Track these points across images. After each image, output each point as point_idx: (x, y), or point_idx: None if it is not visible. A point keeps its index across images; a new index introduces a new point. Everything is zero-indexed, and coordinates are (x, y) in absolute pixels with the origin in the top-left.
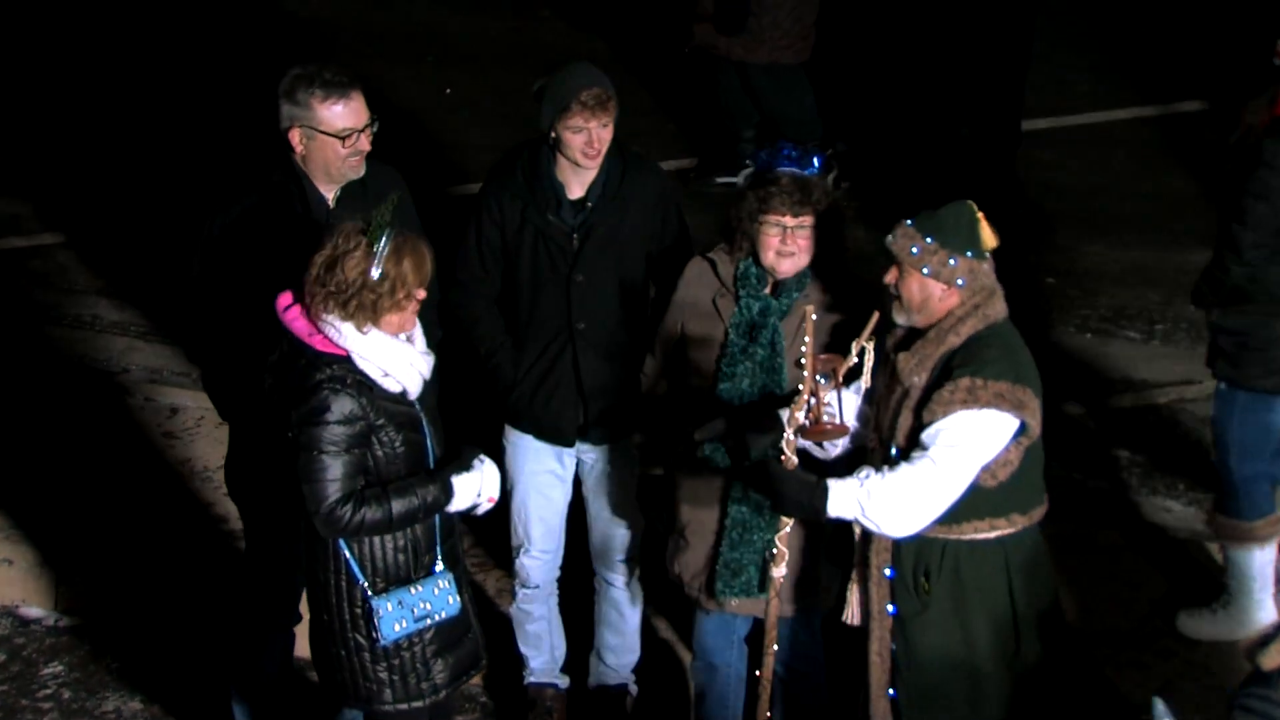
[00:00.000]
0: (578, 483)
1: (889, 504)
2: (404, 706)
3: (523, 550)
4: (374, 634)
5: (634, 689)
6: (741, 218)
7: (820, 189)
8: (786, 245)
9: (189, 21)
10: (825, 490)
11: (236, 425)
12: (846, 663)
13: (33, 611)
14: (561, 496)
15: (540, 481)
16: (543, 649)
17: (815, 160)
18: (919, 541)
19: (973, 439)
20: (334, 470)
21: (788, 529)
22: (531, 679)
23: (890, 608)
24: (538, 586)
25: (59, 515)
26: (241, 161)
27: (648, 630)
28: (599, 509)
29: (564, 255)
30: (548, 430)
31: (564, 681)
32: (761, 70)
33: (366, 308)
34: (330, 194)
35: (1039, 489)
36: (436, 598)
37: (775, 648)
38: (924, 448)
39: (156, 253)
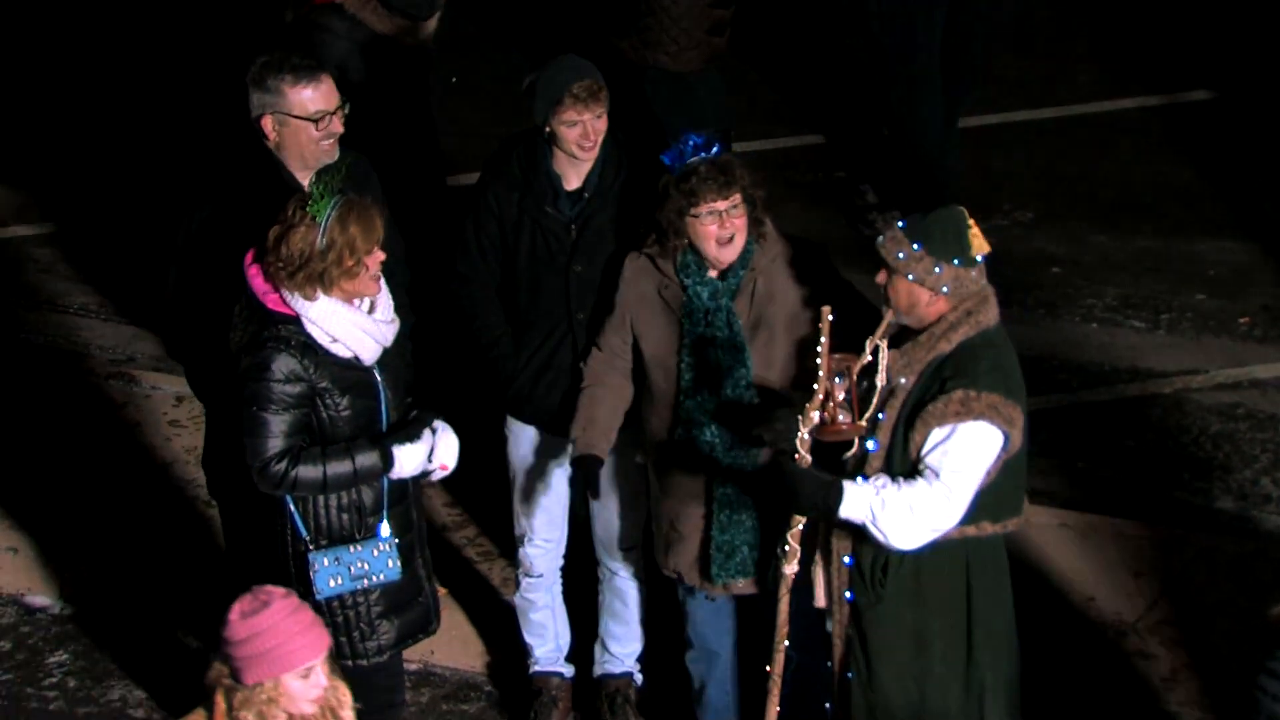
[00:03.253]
0: None
1: (900, 518)
2: (347, 663)
3: (526, 540)
4: (311, 588)
5: (639, 677)
6: (671, 217)
7: (738, 166)
8: (724, 229)
9: (195, 11)
10: (840, 491)
11: (214, 421)
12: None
13: (38, 600)
14: (564, 486)
15: (542, 471)
16: (547, 638)
17: (716, 145)
18: None
19: (975, 456)
20: (271, 426)
21: (800, 526)
22: (536, 668)
23: (848, 594)
24: (541, 576)
25: (64, 504)
26: (219, 154)
27: (652, 618)
28: (603, 498)
29: (562, 246)
30: (549, 420)
31: (569, 670)
32: (646, 73)
33: (315, 278)
34: (306, 180)
35: (1015, 500)
36: (375, 560)
37: (786, 644)
38: (931, 468)
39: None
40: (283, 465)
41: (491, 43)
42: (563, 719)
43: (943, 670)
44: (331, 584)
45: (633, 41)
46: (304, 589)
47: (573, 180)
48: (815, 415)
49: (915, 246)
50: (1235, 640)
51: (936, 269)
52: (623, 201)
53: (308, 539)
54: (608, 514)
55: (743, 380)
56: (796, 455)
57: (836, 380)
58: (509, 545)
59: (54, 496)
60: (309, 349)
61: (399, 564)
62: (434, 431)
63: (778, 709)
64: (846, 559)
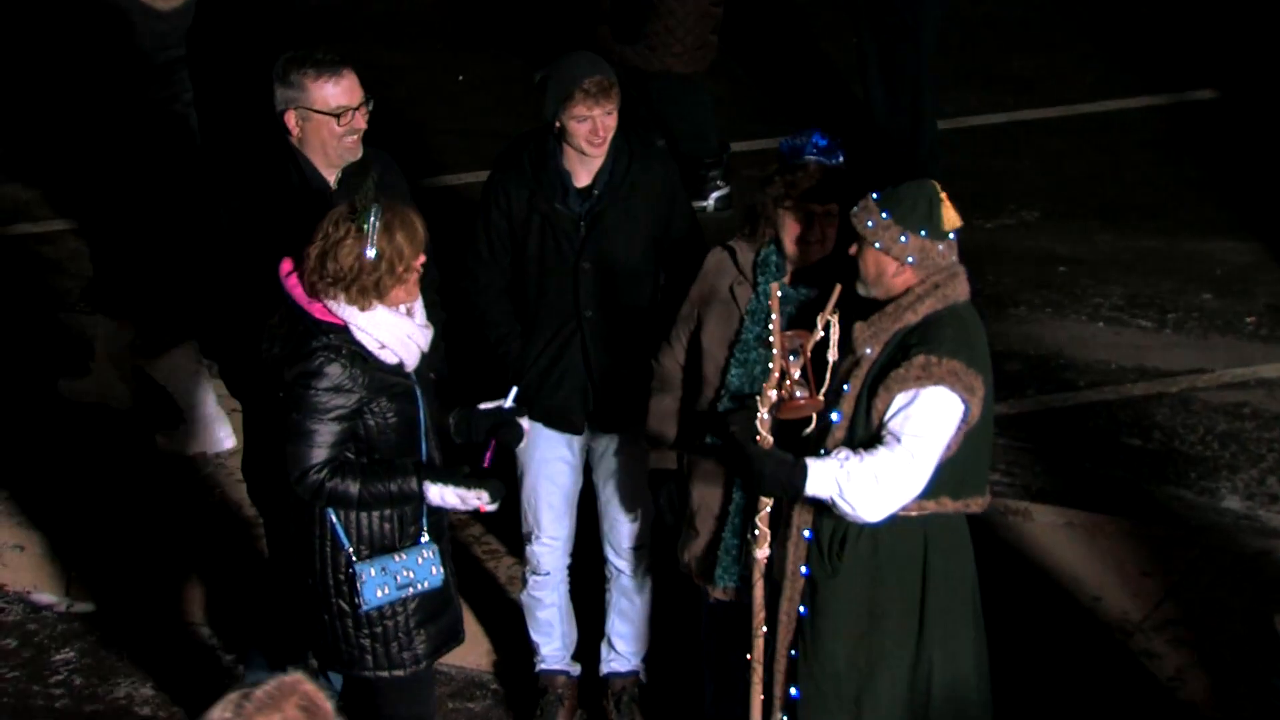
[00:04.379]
0: (588, 470)
1: (866, 488)
2: (384, 674)
3: (533, 537)
4: (356, 599)
5: (644, 677)
6: (767, 203)
7: (846, 181)
8: (813, 232)
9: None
10: (804, 470)
11: (253, 424)
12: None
13: (44, 598)
14: (571, 483)
15: (550, 469)
16: (554, 636)
17: (840, 155)
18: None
19: (933, 420)
20: (316, 436)
21: (768, 509)
22: (542, 666)
23: (804, 569)
24: (548, 574)
25: (71, 502)
26: (239, 151)
27: (659, 618)
28: (609, 496)
29: (571, 243)
30: (556, 418)
31: (575, 669)
32: (653, 79)
33: (370, 289)
34: (331, 177)
35: (978, 478)
36: (420, 567)
37: (765, 629)
38: (893, 433)
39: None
40: (322, 475)
41: (498, 43)
42: (568, 717)
43: (892, 646)
44: (379, 594)
45: (639, 48)
46: (345, 598)
47: (583, 177)
48: (773, 394)
49: (884, 215)
50: (1242, 640)
51: (903, 238)
52: (633, 199)
53: (350, 549)
54: (615, 512)
55: None
56: (758, 437)
57: (791, 358)
58: (516, 543)
59: (61, 495)
60: (358, 358)
61: (442, 571)
62: (476, 483)
63: (762, 696)
64: (806, 533)
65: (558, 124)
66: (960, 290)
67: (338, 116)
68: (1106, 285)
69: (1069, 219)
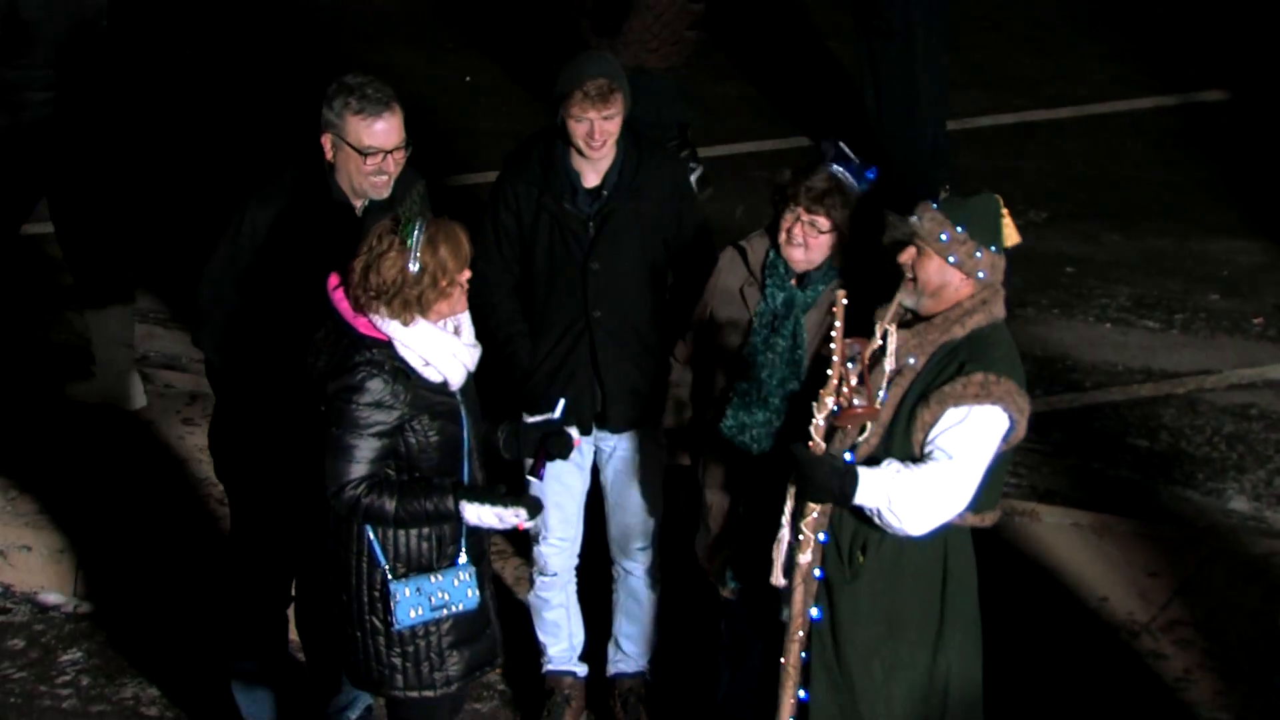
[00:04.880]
0: (596, 472)
1: (915, 502)
2: (414, 694)
3: (541, 538)
4: (389, 618)
5: (651, 677)
6: (775, 197)
7: (854, 202)
8: (797, 235)
9: (203, 9)
10: (856, 477)
11: (223, 406)
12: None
13: (51, 598)
14: (579, 484)
15: (558, 469)
16: (561, 637)
17: (868, 174)
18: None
19: (985, 438)
20: (355, 451)
21: (815, 514)
22: (549, 666)
23: (818, 572)
24: (556, 575)
25: (77, 502)
26: (263, 154)
27: (666, 618)
28: (617, 498)
29: (580, 243)
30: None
31: (582, 669)
32: (633, 74)
33: (412, 303)
34: (358, 203)
35: (995, 495)
36: (456, 589)
37: (801, 634)
38: (944, 449)
39: (177, 240)
40: (359, 491)
41: (504, 44)
42: (575, 718)
43: (909, 653)
44: (412, 614)
45: (614, 42)
46: (378, 615)
47: (591, 178)
48: (830, 400)
49: (958, 229)
50: (1249, 641)
51: (978, 253)
52: (641, 200)
53: (386, 567)
54: (623, 514)
55: (792, 393)
56: (810, 442)
57: (849, 365)
58: (523, 543)
59: (67, 495)
60: (401, 374)
61: (478, 593)
62: (513, 501)
63: (793, 700)
64: (822, 536)
65: (561, 122)
66: (1001, 308)
67: (366, 156)
68: (1114, 286)
69: (1077, 219)
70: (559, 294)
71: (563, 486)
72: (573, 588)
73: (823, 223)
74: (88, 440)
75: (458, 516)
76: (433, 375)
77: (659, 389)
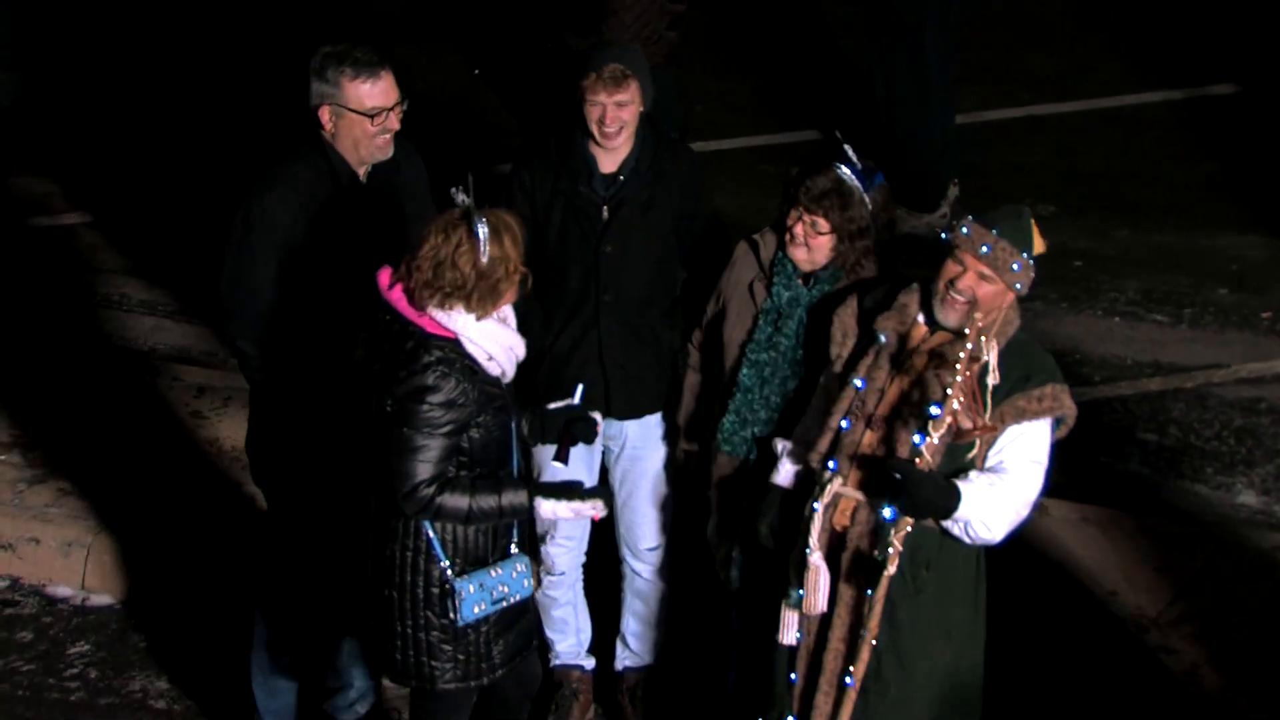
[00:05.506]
0: (605, 472)
1: (1005, 511)
2: (461, 686)
3: (548, 537)
4: (451, 614)
5: (659, 671)
6: (783, 195)
7: (857, 204)
8: (799, 234)
9: (217, 2)
10: (958, 493)
11: (265, 406)
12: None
13: (60, 590)
14: (587, 482)
15: (568, 468)
16: (568, 633)
17: (875, 178)
18: (917, 530)
19: (1048, 441)
20: (427, 451)
21: (908, 529)
22: (557, 661)
23: (869, 590)
24: (563, 574)
25: (86, 494)
26: (266, 142)
27: (676, 611)
28: (625, 497)
29: (593, 226)
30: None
31: (590, 663)
32: None
33: (487, 296)
34: (362, 171)
35: None
36: (514, 581)
37: (874, 641)
38: (1023, 457)
39: (184, 233)
40: (431, 490)
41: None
42: (584, 711)
43: (956, 659)
44: (476, 610)
45: (593, 41)
46: (434, 610)
47: (607, 165)
48: (948, 420)
49: (1027, 257)
50: (1258, 635)
51: (1015, 265)
52: (657, 188)
53: (446, 564)
54: (631, 513)
55: (793, 391)
56: (919, 460)
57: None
58: (531, 541)
59: (76, 487)
60: (469, 371)
61: (532, 583)
62: (589, 493)
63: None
64: (876, 553)
65: (579, 108)
66: (1018, 315)
67: (371, 117)
68: (1122, 280)
69: (1085, 214)
70: (571, 277)
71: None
72: (579, 585)
73: (822, 223)
74: (96, 432)
75: (532, 513)
76: (494, 369)
77: (666, 377)
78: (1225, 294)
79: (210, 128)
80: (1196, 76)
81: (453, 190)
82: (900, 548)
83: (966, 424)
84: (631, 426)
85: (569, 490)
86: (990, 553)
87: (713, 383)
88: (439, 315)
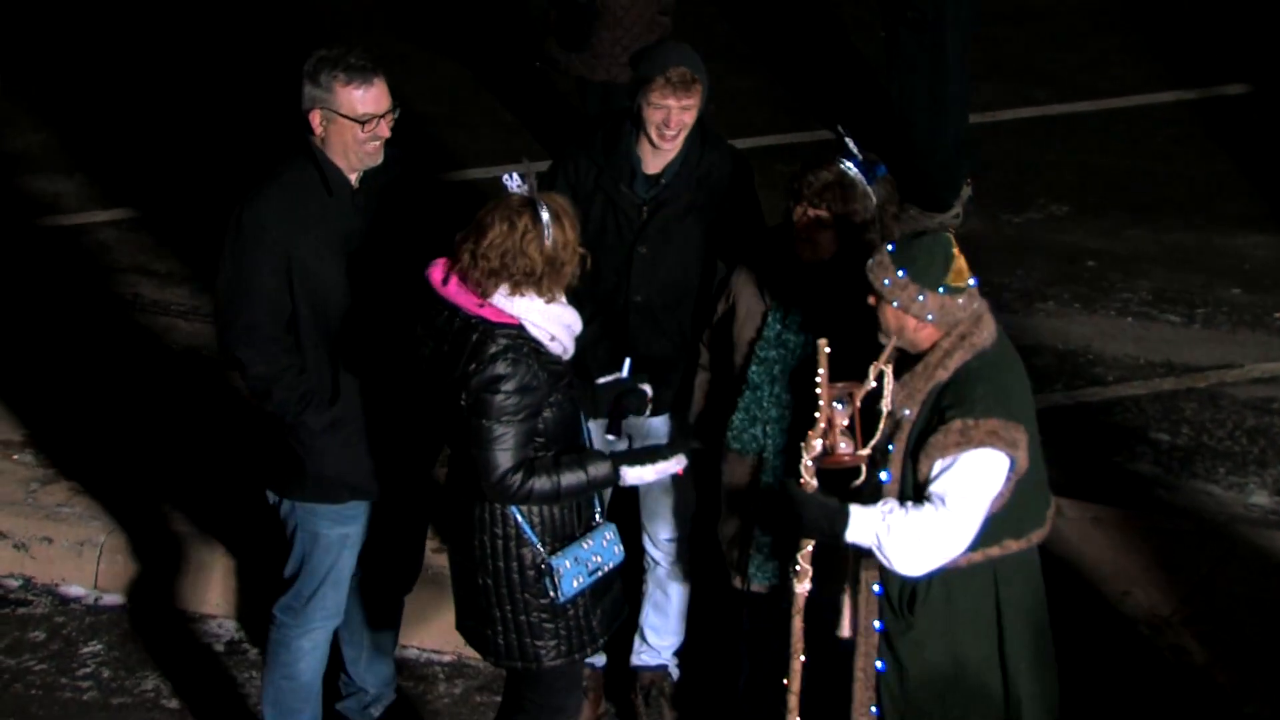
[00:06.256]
0: None
1: (906, 543)
2: (564, 661)
3: None
4: (553, 592)
5: (675, 671)
6: (787, 191)
7: (860, 196)
8: (802, 228)
9: (232, 2)
10: (846, 516)
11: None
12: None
13: (73, 590)
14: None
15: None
16: None
17: (877, 169)
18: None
19: (979, 481)
20: (508, 439)
21: (810, 548)
22: None
23: (877, 624)
24: None
25: (99, 494)
26: (264, 146)
27: (694, 613)
28: (648, 486)
29: (631, 225)
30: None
31: (600, 660)
32: (597, 88)
33: (555, 278)
34: (353, 177)
35: (1037, 512)
36: (606, 549)
37: (803, 658)
38: (938, 495)
39: (197, 232)
40: (518, 477)
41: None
42: (594, 708)
43: (978, 689)
44: (575, 584)
45: (583, 57)
46: (531, 592)
47: (652, 166)
48: (817, 444)
49: (900, 273)
50: (1271, 635)
51: (920, 297)
52: (699, 193)
53: (539, 545)
54: (653, 502)
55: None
56: (802, 480)
57: (839, 407)
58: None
59: (88, 486)
60: (537, 354)
61: (622, 549)
62: (669, 451)
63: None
64: (876, 587)
65: (636, 107)
66: (986, 336)
67: (362, 123)
68: (1135, 280)
69: (1098, 213)
70: (604, 274)
71: None
72: None
73: (825, 217)
74: (108, 431)
75: (618, 480)
76: (556, 349)
77: (688, 378)
78: (1238, 293)
79: (224, 126)
80: (1209, 76)
81: (505, 178)
82: (807, 566)
83: (843, 448)
84: (655, 421)
85: (651, 454)
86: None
87: (723, 381)
88: (501, 303)
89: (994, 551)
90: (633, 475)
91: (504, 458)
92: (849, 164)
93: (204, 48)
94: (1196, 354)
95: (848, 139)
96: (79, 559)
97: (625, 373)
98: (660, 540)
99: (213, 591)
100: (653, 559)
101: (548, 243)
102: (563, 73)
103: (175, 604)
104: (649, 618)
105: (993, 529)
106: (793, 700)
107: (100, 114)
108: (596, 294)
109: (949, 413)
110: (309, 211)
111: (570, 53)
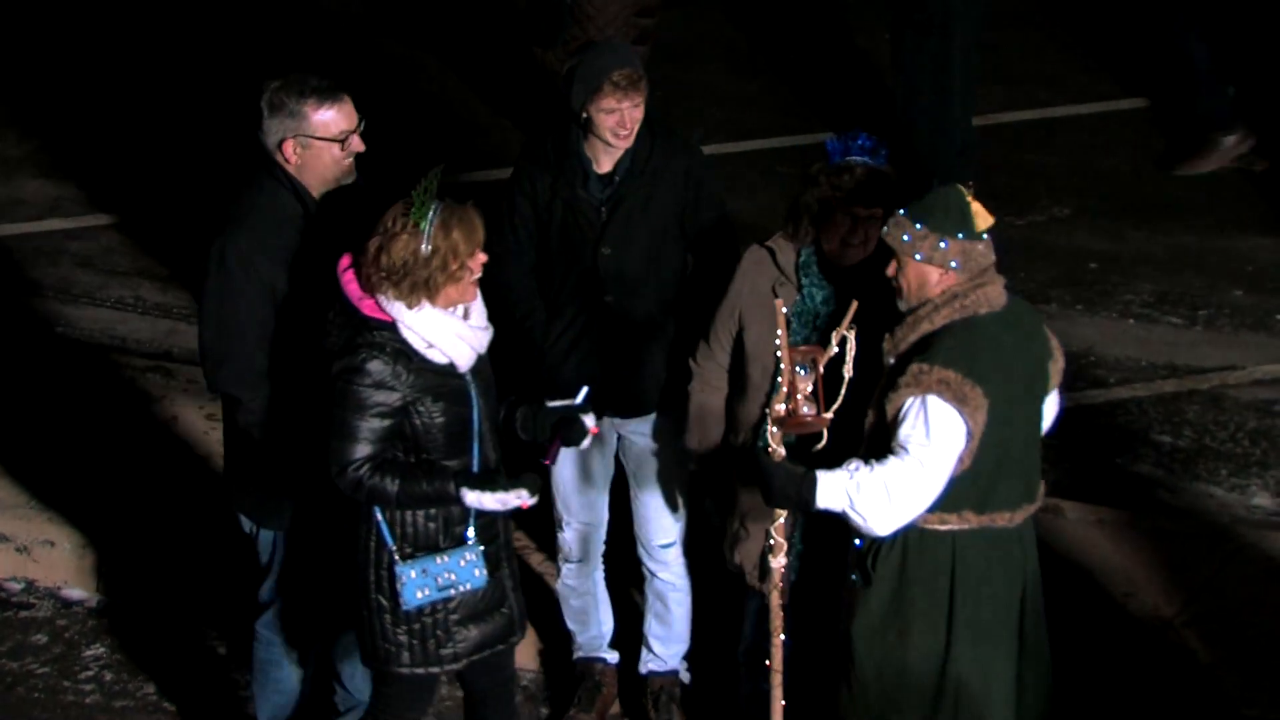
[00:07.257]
0: (622, 467)
1: (877, 499)
2: (420, 671)
3: (564, 523)
4: (397, 598)
5: (685, 676)
6: (811, 203)
7: (891, 183)
8: (855, 235)
9: (232, 6)
10: (814, 482)
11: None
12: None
13: (75, 593)
14: (601, 469)
15: (578, 454)
16: (588, 625)
17: (884, 152)
18: (844, 534)
19: (936, 430)
20: (358, 431)
21: (783, 519)
22: (579, 654)
23: (853, 576)
24: (581, 561)
25: (101, 497)
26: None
27: (699, 617)
28: (637, 494)
29: (592, 228)
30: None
31: (613, 656)
32: None
33: (420, 285)
34: (319, 193)
35: (1005, 496)
36: (462, 570)
37: (783, 636)
38: (901, 443)
39: (199, 236)
40: (362, 472)
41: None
42: (607, 704)
43: (916, 660)
44: (419, 595)
45: (558, 52)
46: (385, 594)
47: (604, 164)
48: (780, 408)
49: (918, 226)
50: (1274, 636)
51: (942, 243)
52: (655, 185)
53: (393, 548)
54: (645, 510)
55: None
56: (769, 449)
57: (801, 372)
58: (551, 535)
59: (91, 490)
60: (402, 355)
61: (485, 572)
62: (513, 484)
63: (783, 703)
64: (856, 542)
65: (584, 114)
66: (985, 300)
67: (340, 142)
68: (1138, 282)
69: (1101, 215)
70: (573, 279)
71: (583, 470)
72: (599, 575)
73: (879, 213)
74: (111, 435)
75: (459, 501)
76: (437, 357)
77: (672, 376)
78: (1240, 295)
79: (225, 130)
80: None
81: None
82: (781, 539)
83: (805, 411)
84: (637, 424)
85: (492, 480)
86: None
87: (734, 396)
88: (382, 300)
89: (951, 520)
90: (471, 498)
91: (351, 449)
92: (860, 158)
93: (204, 48)
94: (1199, 356)
95: (862, 133)
96: (81, 562)
97: (579, 400)
98: (653, 548)
99: (215, 595)
100: (649, 569)
101: (424, 247)
102: (536, 67)
103: (177, 607)
104: (652, 628)
105: (955, 493)
106: (776, 678)
107: (99, 114)
108: (568, 300)
109: (915, 359)
110: (289, 240)
111: (542, 49)
